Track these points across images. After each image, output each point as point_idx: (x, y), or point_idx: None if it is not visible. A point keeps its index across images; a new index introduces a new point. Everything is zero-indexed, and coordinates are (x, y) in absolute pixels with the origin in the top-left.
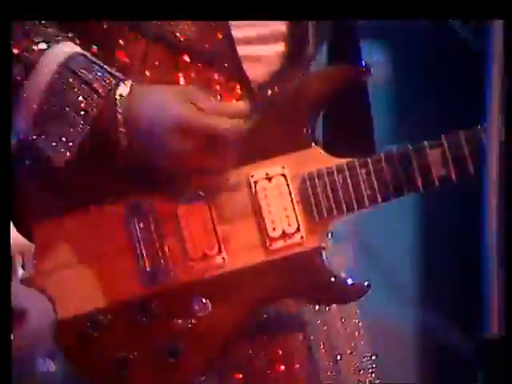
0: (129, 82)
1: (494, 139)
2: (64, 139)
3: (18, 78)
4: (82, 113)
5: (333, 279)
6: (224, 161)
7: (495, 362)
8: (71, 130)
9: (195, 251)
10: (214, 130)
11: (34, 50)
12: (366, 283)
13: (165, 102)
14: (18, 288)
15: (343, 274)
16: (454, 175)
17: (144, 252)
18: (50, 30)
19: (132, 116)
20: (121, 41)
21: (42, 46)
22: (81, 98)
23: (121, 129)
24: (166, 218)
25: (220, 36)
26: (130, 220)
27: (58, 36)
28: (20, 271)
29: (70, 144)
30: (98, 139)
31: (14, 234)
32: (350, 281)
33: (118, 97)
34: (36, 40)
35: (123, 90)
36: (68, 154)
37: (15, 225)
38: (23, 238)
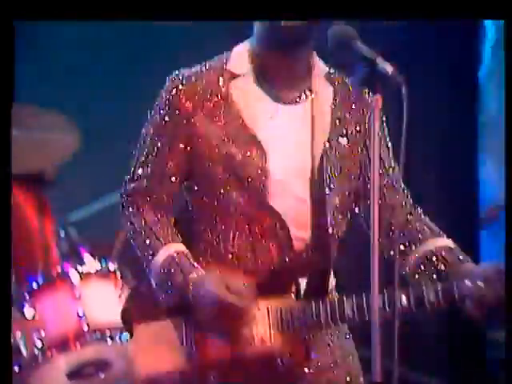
0: (200, 271)
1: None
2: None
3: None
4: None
5: (280, 364)
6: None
7: None
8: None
9: (208, 347)
10: (235, 306)
11: None
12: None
13: (213, 285)
14: (107, 349)
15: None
16: None
17: (185, 346)
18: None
19: (195, 290)
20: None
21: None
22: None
23: (189, 295)
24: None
25: None
26: (180, 330)
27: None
28: (109, 340)
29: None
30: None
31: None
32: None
33: (191, 278)
34: None
35: (194, 275)
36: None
37: (123, 318)
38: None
